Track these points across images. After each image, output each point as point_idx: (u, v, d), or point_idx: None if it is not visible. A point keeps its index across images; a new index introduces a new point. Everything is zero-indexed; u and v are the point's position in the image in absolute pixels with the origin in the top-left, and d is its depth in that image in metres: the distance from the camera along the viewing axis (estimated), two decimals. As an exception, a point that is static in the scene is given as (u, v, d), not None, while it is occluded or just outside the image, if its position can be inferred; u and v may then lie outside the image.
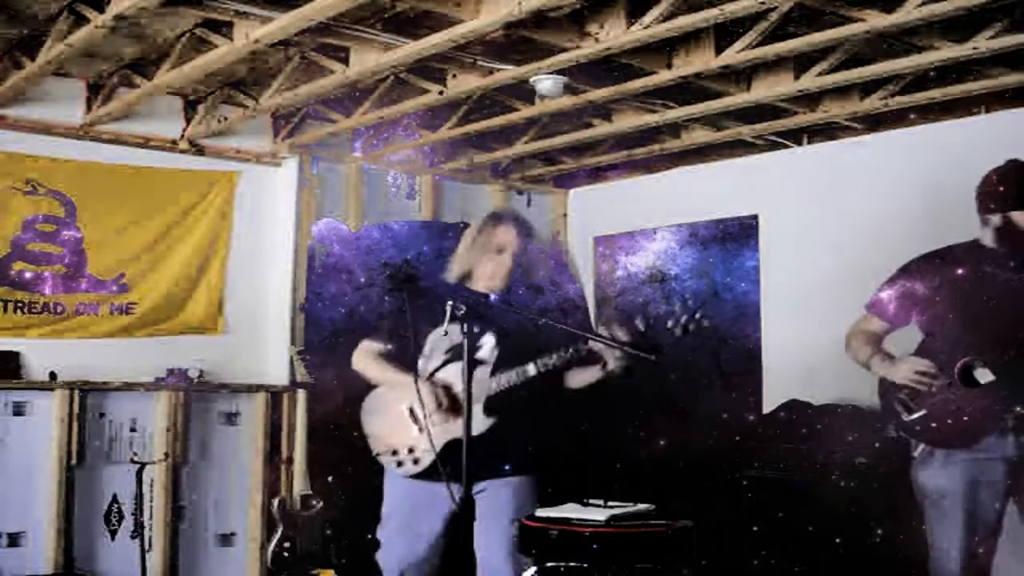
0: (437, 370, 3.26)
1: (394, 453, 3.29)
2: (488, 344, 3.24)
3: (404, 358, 3.29)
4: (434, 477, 3.17)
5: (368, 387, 3.44)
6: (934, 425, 3.32)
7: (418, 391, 3.16)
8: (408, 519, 3.31)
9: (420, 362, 3.27)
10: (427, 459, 3.22)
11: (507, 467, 3.25)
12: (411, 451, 3.25)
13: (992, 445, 3.27)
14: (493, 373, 3.20)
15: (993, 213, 3.36)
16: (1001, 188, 3.35)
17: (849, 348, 3.63)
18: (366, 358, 3.42)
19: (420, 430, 3.21)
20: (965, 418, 3.27)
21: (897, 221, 5.00)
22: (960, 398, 3.28)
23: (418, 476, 3.26)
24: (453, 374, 3.22)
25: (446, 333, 3.02)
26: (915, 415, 3.37)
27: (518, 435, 3.26)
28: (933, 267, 3.45)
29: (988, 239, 3.41)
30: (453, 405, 3.19)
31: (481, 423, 3.16)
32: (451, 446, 3.14)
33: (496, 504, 3.25)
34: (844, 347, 3.64)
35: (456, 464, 3.02)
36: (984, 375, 3.24)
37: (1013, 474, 3.30)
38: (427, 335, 3.26)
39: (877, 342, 3.58)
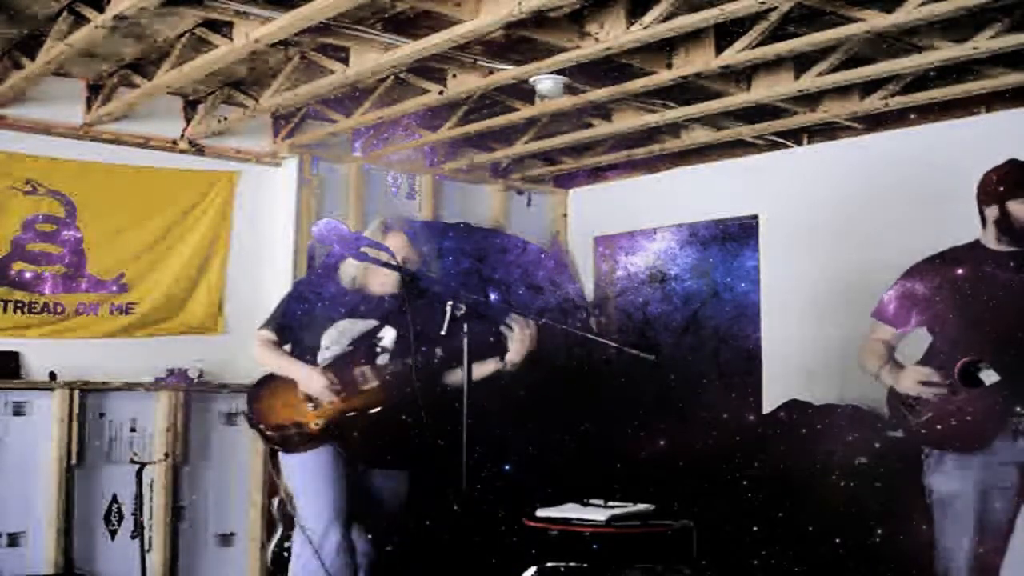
0: (339, 359, 3.55)
1: (279, 429, 3.57)
2: (389, 335, 3.58)
3: (298, 346, 3.65)
4: (322, 443, 3.52)
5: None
6: (939, 427, 3.32)
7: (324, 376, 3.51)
8: (329, 487, 3.54)
9: (321, 353, 3.58)
10: (315, 432, 3.53)
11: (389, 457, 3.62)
12: (299, 425, 3.54)
13: (1004, 449, 3.27)
14: (392, 359, 3.54)
15: (990, 206, 3.40)
16: (999, 183, 3.39)
17: (861, 361, 3.63)
18: (262, 349, 3.66)
19: (313, 407, 3.53)
20: (969, 419, 3.27)
21: (897, 221, 5.01)
22: (966, 400, 3.28)
23: (311, 447, 3.54)
24: (351, 361, 3.54)
25: (445, 333, 3.03)
26: (921, 419, 3.38)
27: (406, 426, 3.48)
28: (935, 270, 3.46)
29: (989, 237, 3.43)
30: (351, 389, 3.51)
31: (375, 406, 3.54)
32: (345, 417, 3.52)
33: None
34: (857, 361, 3.64)
35: (347, 436, 3.50)
36: (989, 376, 3.22)
37: None
38: (324, 331, 3.58)
39: (888, 351, 3.57)
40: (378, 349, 3.57)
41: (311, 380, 3.52)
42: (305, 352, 3.62)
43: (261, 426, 3.61)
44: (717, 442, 4.96)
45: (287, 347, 3.69)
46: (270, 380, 3.66)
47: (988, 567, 3.30)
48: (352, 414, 3.53)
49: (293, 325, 3.65)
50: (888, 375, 3.50)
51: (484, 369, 3.45)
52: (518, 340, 3.35)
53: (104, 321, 5.34)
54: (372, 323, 3.59)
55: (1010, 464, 3.28)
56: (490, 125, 5.48)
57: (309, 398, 3.55)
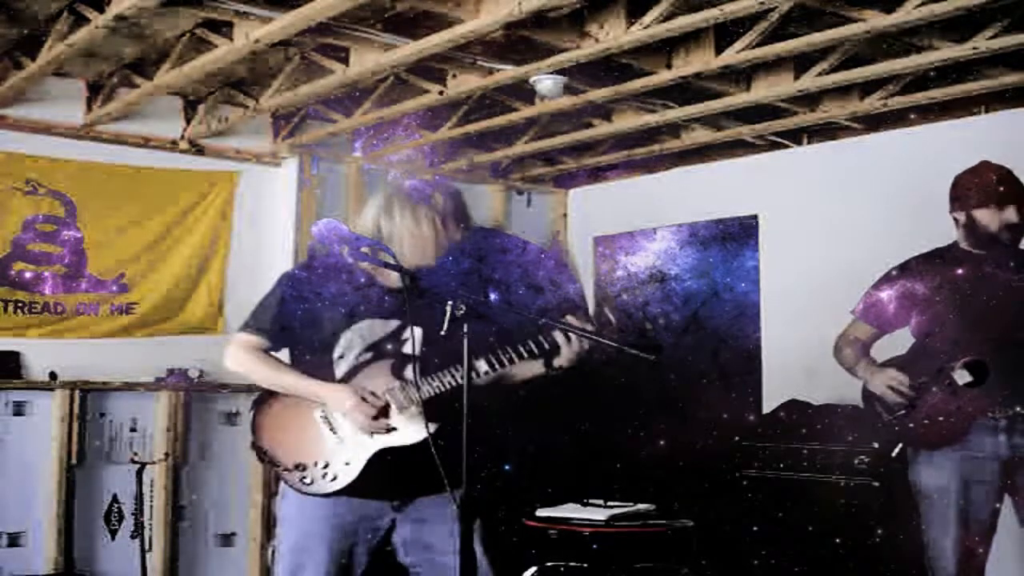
0: (356, 370, 2.87)
1: (300, 468, 2.81)
2: (416, 336, 2.83)
3: (308, 356, 2.91)
4: (357, 493, 2.80)
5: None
6: (912, 425, 3.38)
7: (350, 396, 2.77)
8: (324, 547, 2.82)
9: (337, 364, 2.88)
10: (347, 475, 2.79)
11: (448, 482, 2.60)
12: (326, 465, 2.80)
13: (984, 444, 3.30)
14: (426, 372, 2.79)
15: (960, 211, 3.48)
16: (967, 188, 3.46)
17: (837, 354, 3.67)
18: (247, 356, 2.90)
19: (340, 440, 2.82)
20: (942, 419, 3.33)
21: (897, 221, 5.00)
22: (939, 400, 3.33)
23: (336, 494, 2.80)
24: (376, 374, 2.84)
25: (444, 333, 2.68)
26: (894, 415, 3.44)
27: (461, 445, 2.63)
28: (914, 272, 3.51)
29: (961, 239, 3.49)
30: (380, 411, 2.78)
31: (416, 433, 2.76)
32: (380, 457, 2.79)
33: (443, 527, 2.80)
34: (832, 353, 3.69)
35: (386, 480, 2.75)
36: (962, 376, 3.30)
37: (1008, 473, 3.32)
38: (340, 332, 2.88)
39: (865, 348, 3.62)
40: (392, 353, 2.87)
41: (341, 401, 2.77)
42: (308, 365, 2.90)
43: (278, 467, 2.84)
44: (717, 442, 4.97)
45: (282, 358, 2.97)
46: (276, 400, 2.91)
47: (976, 561, 3.33)
48: (384, 450, 2.79)
49: (293, 327, 2.90)
50: (864, 371, 3.55)
51: (526, 371, 2.94)
52: (573, 343, 2.80)
53: (104, 321, 5.35)
54: (394, 323, 2.89)
55: (990, 459, 3.31)
56: (490, 125, 5.48)
57: (330, 425, 2.85)
